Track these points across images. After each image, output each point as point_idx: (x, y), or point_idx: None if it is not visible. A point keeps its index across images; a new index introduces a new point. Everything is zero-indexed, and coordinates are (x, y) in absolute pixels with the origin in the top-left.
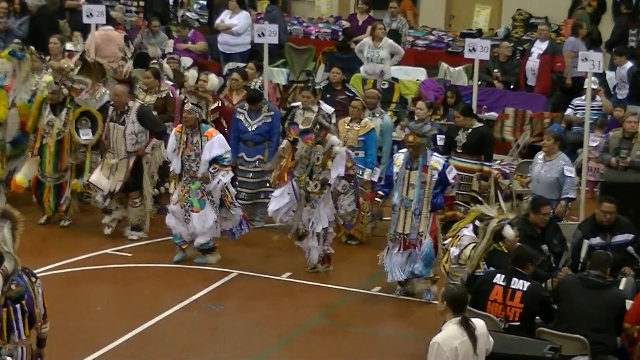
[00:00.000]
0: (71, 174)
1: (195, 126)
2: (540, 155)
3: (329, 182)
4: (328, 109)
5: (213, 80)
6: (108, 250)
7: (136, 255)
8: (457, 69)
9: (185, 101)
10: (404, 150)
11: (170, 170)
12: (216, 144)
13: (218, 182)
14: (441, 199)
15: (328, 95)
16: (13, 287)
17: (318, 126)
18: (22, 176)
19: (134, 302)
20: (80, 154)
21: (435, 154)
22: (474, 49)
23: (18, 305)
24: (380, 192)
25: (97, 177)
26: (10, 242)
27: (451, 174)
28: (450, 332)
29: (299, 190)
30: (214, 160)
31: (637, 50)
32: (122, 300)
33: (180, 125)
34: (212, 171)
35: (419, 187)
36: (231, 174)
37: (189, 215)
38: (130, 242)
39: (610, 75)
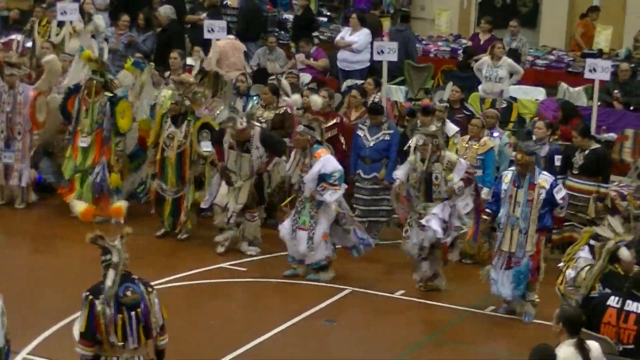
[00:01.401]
0: (190, 186)
1: (306, 148)
2: None
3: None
4: (453, 128)
5: (315, 100)
6: (224, 265)
7: (250, 270)
8: (576, 89)
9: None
10: (512, 168)
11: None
12: (324, 163)
13: (324, 201)
14: (549, 220)
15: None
16: (129, 293)
17: (435, 141)
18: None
19: (248, 316)
20: (200, 166)
21: (545, 172)
22: (594, 69)
23: (133, 313)
24: (487, 210)
25: (221, 198)
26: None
27: (559, 194)
28: (566, 353)
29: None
30: (322, 179)
31: None
32: (237, 314)
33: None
34: (319, 189)
35: (525, 205)
36: (339, 193)
37: (295, 232)
38: (245, 257)
39: None
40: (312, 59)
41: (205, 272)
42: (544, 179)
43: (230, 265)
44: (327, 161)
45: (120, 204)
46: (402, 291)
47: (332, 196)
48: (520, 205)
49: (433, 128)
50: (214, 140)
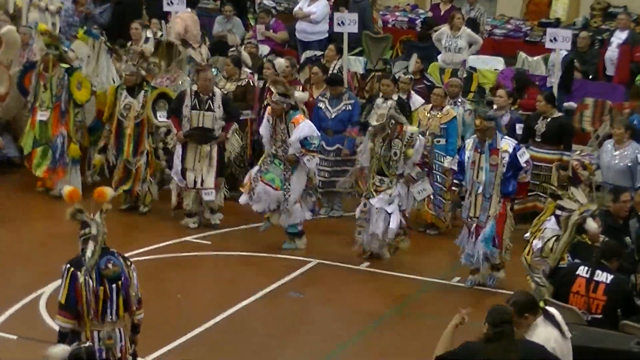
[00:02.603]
0: (150, 159)
1: (282, 115)
2: (609, 144)
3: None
4: (419, 100)
5: (280, 62)
6: (188, 238)
7: (215, 243)
8: (535, 58)
9: (267, 88)
10: (474, 135)
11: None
12: (303, 128)
13: (303, 166)
14: (513, 185)
15: None
16: (110, 265)
17: (392, 121)
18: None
19: (215, 290)
20: (159, 135)
21: (507, 137)
22: (555, 39)
23: (114, 286)
24: (455, 181)
25: (190, 177)
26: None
27: (523, 157)
28: (541, 335)
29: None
30: (301, 145)
31: None
32: (203, 288)
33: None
34: (298, 155)
35: (488, 170)
36: (316, 160)
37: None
38: (209, 230)
39: None
40: (271, 30)
41: (169, 245)
42: (507, 143)
43: (195, 238)
44: (306, 126)
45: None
46: (367, 263)
47: (311, 162)
48: (484, 170)
49: (389, 102)
50: (171, 110)
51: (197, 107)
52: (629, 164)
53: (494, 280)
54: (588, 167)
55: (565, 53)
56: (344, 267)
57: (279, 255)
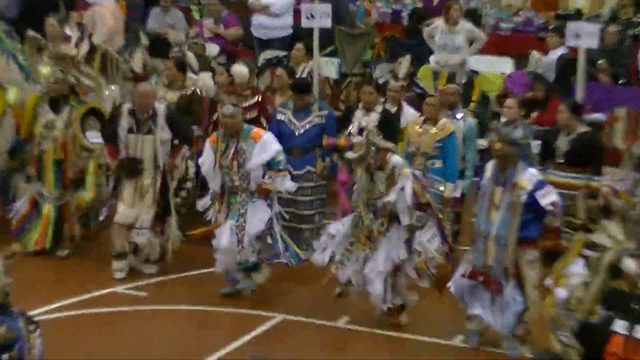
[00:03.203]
0: (74, 189)
1: (239, 132)
2: None
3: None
4: (411, 113)
5: (240, 71)
6: (118, 289)
7: (153, 295)
8: (551, 58)
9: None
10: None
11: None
12: (267, 145)
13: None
14: (534, 230)
15: None
16: (2, 330)
17: (374, 149)
18: None
19: (154, 354)
20: (83, 160)
21: (532, 170)
22: (577, 35)
23: (6, 356)
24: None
25: (124, 212)
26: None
27: (546, 198)
28: None
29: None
30: (268, 167)
31: None
32: (137, 352)
33: (216, 133)
34: (267, 180)
35: (504, 209)
36: (289, 178)
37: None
38: (143, 279)
39: None
40: (222, 26)
41: (95, 298)
42: (527, 178)
43: (126, 289)
44: (269, 142)
45: None
46: (346, 318)
47: (284, 183)
48: (499, 208)
49: (371, 116)
50: (105, 135)
51: (135, 129)
52: None
53: (514, 351)
54: (622, 195)
55: (563, 52)
56: (317, 324)
57: (233, 310)
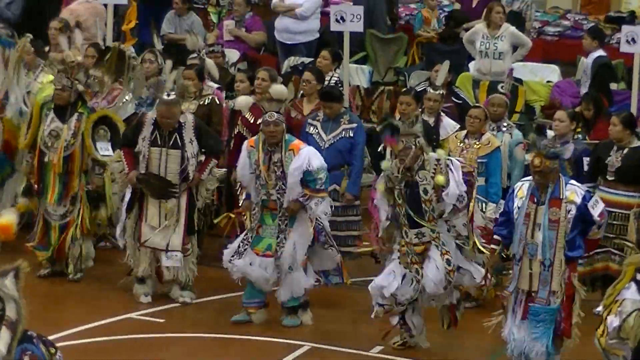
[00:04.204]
0: (82, 206)
1: (280, 142)
2: None
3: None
4: (452, 124)
5: (280, 91)
6: (133, 315)
7: (170, 321)
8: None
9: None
10: (529, 177)
11: (241, 200)
12: (308, 159)
13: (310, 214)
14: (580, 245)
15: None
16: (26, 358)
17: (419, 141)
18: (10, 217)
19: None
20: (97, 176)
21: (574, 182)
22: (633, 39)
23: None
24: (496, 236)
25: (152, 235)
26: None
27: (596, 209)
28: None
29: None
30: (304, 184)
31: None
32: None
33: (254, 138)
34: (301, 199)
35: (547, 228)
36: (327, 202)
37: (251, 257)
38: (162, 303)
39: None
40: (244, 29)
41: (109, 324)
42: (573, 190)
43: (141, 315)
44: (311, 155)
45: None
46: (380, 347)
47: (319, 206)
48: (541, 227)
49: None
50: (124, 138)
51: (158, 142)
52: None
53: None
54: None
55: (599, 54)
56: (348, 352)
57: (258, 338)
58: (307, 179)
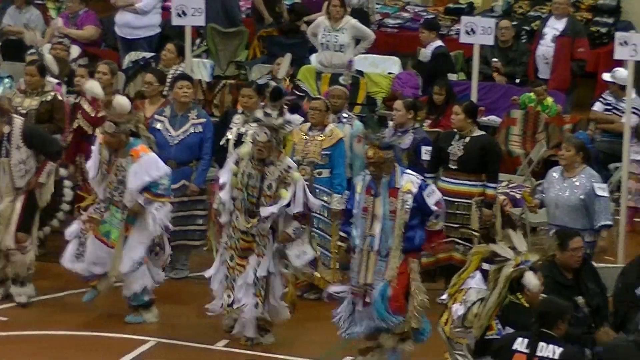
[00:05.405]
0: None
1: (120, 148)
2: (556, 172)
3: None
4: (297, 118)
5: (123, 103)
6: None
7: (14, 319)
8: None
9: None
10: (367, 171)
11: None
12: (146, 167)
13: (152, 218)
14: (420, 236)
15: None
16: None
17: (278, 137)
18: None
19: None
20: None
21: (409, 171)
22: (472, 30)
23: None
24: (341, 233)
25: None
26: None
27: (432, 198)
28: None
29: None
30: (145, 188)
31: None
32: None
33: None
34: (142, 203)
35: (386, 219)
36: (169, 207)
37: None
38: (5, 301)
39: None
40: (75, 26)
41: None
42: (410, 180)
43: None
44: (150, 163)
45: None
46: (226, 341)
47: (160, 211)
48: (379, 219)
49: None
50: None
51: None
52: (582, 197)
53: (399, 355)
54: (526, 198)
55: (438, 44)
56: (194, 347)
57: (102, 334)
58: (150, 185)
